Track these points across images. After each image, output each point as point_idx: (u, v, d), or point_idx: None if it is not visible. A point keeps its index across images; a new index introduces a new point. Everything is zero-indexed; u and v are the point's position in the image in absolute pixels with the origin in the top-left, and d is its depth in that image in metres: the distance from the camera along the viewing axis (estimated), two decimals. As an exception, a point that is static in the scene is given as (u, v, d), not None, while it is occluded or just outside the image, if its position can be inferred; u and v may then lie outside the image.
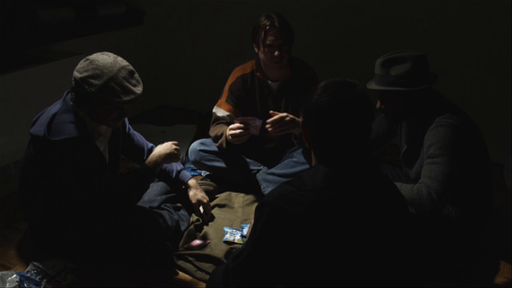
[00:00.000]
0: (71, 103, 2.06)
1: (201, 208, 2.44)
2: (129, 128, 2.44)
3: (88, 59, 2.00)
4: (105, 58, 1.99)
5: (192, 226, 2.38)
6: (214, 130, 2.73)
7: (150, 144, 2.54)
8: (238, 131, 2.48)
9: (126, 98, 1.97)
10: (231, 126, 2.53)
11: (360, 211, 1.34)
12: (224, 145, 2.64)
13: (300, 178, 1.39)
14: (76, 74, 1.98)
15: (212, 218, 2.48)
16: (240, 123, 2.49)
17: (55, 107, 2.10)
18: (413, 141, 2.18)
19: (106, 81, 1.94)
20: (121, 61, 2.02)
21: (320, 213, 1.30)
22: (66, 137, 1.98)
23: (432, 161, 1.97)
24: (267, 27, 2.52)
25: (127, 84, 1.98)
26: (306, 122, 1.42)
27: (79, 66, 2.00)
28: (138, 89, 2.02)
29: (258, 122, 2.49)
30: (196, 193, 2.45)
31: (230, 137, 2.52)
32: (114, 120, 2.09)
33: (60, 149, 1.99)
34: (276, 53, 2.52)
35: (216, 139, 2.72)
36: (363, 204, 1.35)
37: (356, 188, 1.36)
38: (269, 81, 2.71)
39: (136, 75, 2.06)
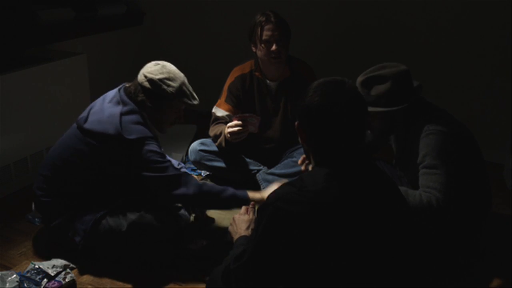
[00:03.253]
0: (133, 104, 2.13)
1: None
2: None
3: (159, 64, 2.16)
4: (172, 66, 2.19)
5: (192, 226, 2.38)
6: (213, 130, 2.74)
7: None
8: (236, 128, 2.48)
9: (195, 102, 2.21)
10: (229, 124, 2.53)
11: (361, 210, 1.34)
12: (223, 144, 2.64)
13: (301, 179, 1.39)
14: (150, 75, 2.12)
15: (210, 219, 2.47)
16: (238, 120, 2.49)
17: (115, 106, 2.13)
18: (403, 150, 2.19)
19: (180, 84, 2.15)
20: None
21: (321, 212, 1.31)
22: (140, 136, 2.07)
23: (431, 172, 1.98)
24: (263, 22, 2.54)
25: (192, 91, 2.22)
26: (301, 124, 1.42)
27: (152, 69, 2.14)
28: (197, 98, 2.24)
29: (256, 120, 2.49)
30: None
31: (228, 135, 2.52)
32: (171, 123, 2.26)
33: (136, 147, 2.06)
34: (273, 47, 2.52)
35: (215, 138, 2.72)
36: (364, 203, 1.35)
37: (357, 187, 1.36)
38: (268, 81, 2.71)
39: None
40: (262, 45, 2.55)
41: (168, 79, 2.12)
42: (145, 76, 2.13)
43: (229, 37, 3.86)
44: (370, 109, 2.02)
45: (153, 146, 2.09)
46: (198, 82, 4.11)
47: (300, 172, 2.49)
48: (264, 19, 2.54)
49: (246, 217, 2.05)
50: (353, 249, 1.33)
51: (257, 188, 2.68)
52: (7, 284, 1.96)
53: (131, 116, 2.11)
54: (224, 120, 2.73)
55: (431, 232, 2.08)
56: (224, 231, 2.35)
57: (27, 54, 3.06)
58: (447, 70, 3.15)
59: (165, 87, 2.11)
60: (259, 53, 2.61)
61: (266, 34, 2.53)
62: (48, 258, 2.13)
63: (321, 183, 1.33)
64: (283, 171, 2.65)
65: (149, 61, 2.21)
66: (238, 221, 2.03)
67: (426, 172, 1.99)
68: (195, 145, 2.82)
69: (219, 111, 2.75)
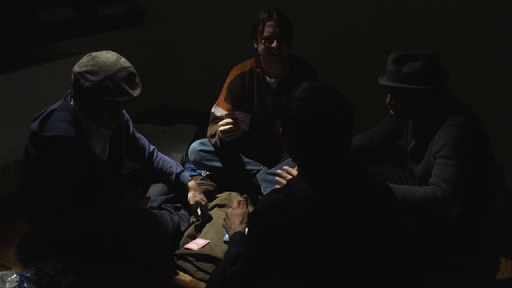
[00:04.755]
0: (71, 100, 2.07)
1: (198, 210, 2.44)
2: (133, 131, 2.45)
3: (90, 55, 1.99)
4: (107, 57, 1.97)
5: (192, 226, 2.38)
6: (210, 130, 2.73)
7: (152, 147, 2.54)
8: (227, 127, 2.47)
9: (120, 99, 1.94)
10: (221, 122, 2.52)
11: (351, 214, 1.35)
12: (218, 143, 2.64)
13: (289, 185, 1.39)
14: (75, 68, 1.97)
15: (209, 219, 2.48)
16: (228, 118, 2.48)
17: (56, 104, 2.11)
18: (422, 137, 2.18)
19: (102, 78, 1.92)
20: (124, 62, 2.00)
21: (311, 219, 1.31)
22: (55, 134, 1.96)
23: (446, 163, 1.98)
24: (265, 19, 2.54)
25: (124, 85, 1.95)
26: (285, 133, 1.41)
27: (80, 60, 1.99)
28: (135, 92, 1.99)
29: (246, 116, 2.47)
30: (194, 195, 2.44)
31: (220, 133, 2.51)
32: (108, 120, 2.06)
33: (46, 146, 1.99)
34: (274, 43, 2.52)
35: (211, 138, 2.72)
36: (353, 207, 1.35)
37: (345, 193, 1.36)
38: (268, 78, 2.70)
39: (137, 78, 2.03)
40: (263, 41, 2.56)
41: (89, 72, 1.93)
42: (73, 68, 1.99)
43: (229, 37, 3.86)
44: (400, 85, 2.03)
45: (57, 160, 1.97)
46: (199, 82, 4.13)
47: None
48: (266, 16, 2.55)
49: (239, 211, 2.05)
50: (344, 252, 1.33)
51: (257, 188, 2.68)
52: (7, 284, 1.96)
53: (62, 113, 2.03)
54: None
55: (435, 230, 2.08)
56: (224, 231, 2.35)
57: (27, 54, 3.06)
58: (446, 69, 3.14)
59: (82, 81, 1.93)
60: (260, 49, 2.61)
61: (267, 30, 2.53)
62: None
63: (309, 189, 1.33)
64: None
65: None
66: (231, 216, 2.03)
67: (441, 162, 2.00)
68: (195, 145, 2.82)
69: (218, 111, 2.74)
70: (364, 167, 1.44)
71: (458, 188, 1.96)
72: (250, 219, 1.38)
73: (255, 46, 2.64)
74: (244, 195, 2.14)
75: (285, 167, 2.13)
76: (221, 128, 2.49)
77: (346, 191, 1.36)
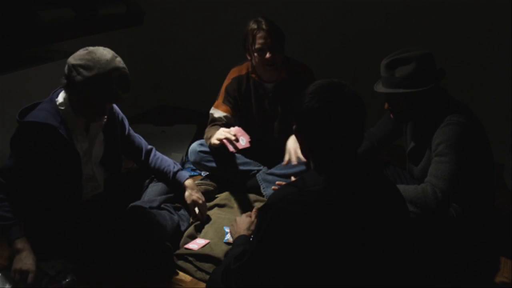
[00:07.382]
0: (58, 94, 2.10)
1: (196, 209, 2.43)
2: (128, 130, 2.44)
3: (87, 49, 1.99)
4: (103, 54, 1.96)
5: (192, 226, 2.38)
6: (208, 132, 2.71)
7: (150, 146, 2.53)
8: (225, 140, 2.44)
9: (106, 100, 1.98)
10: (227, 130, 2.49)
11: (362, 211, 1.35)
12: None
13: (302, 179, 1.39)
14: (70, 59, 1.98)
15: (208, 219, 2.47)
16: (236, 132, 2.46)
17: None
18: (421, 138, 2.18)
19: (94, 75, 1.91)
20: (119, 62, 1.98)
21: (323, 213, 1.31)
22: (32, 120, 1.99)
23: (440, 160, 1.98)
24: (255, 31, 2.51)
25: (114, 86, 1.94)
26: (299, 128, 1.42)
27: (76, 53, 1.99)
28: (124, 94, 1.99)
29: (246, 143, 2.45)
30: (191, 194, 2.43)
31: (217, 135, 2.49)
32: (93, 115, 2.06)
33: (19, 130, 2.02)
34: (267, 55, 2.50)
35: (207, 139, 2.71)
36: (365, 204, 1.36)
37: (357, 188, 1.36)
38: (265, 83, 2.69)
39: (129, 80, 2.01)
40: (255, 54, 2.53)
41: (83, 66, 1.91)
42: (68, 59, 1.99)
43: (229, 37, 3.86)
44: (395, 90, 2.03)
45: (27, 146, 1.98)
46: (199, 82, 4.13)
47: (300, 172, 2.49)
48: (256, 26, 2.51)
49: (247, 219, 2.06)
50: (354, 249, 1.33)
51: (257, 188, 2.68)
52: (7, 284, 1.96)
53: (44, 104, 2.07)
54: (221, 122, 2.71)
55: (434, 230, 2.08)
56: (224, 231, 2.35)
57: (27, 54, 3.06)
58: (446, 69, 3.15)
59: (74, 74, 1.92)
60: (254, 61, 2.59)
61: (258, 42, 2.50)
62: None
63: (322, 183, 1.34)
64: (283, 171, 2.65)
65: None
66: (239, 222, 2.04)
67: (435, 160, 2.00)
68: (195, 146, 2.82)
69: (217, 112, 2.74)
70: (376, 166, 1.45)
71: (451, 184, 1.94)
72: (261, 212, 1.38)
73: (248, 58, 2.62)
74: (255, 208, 2.15)
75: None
76: (220, 136, 2.46)
77: (358, 187, 1.36)
